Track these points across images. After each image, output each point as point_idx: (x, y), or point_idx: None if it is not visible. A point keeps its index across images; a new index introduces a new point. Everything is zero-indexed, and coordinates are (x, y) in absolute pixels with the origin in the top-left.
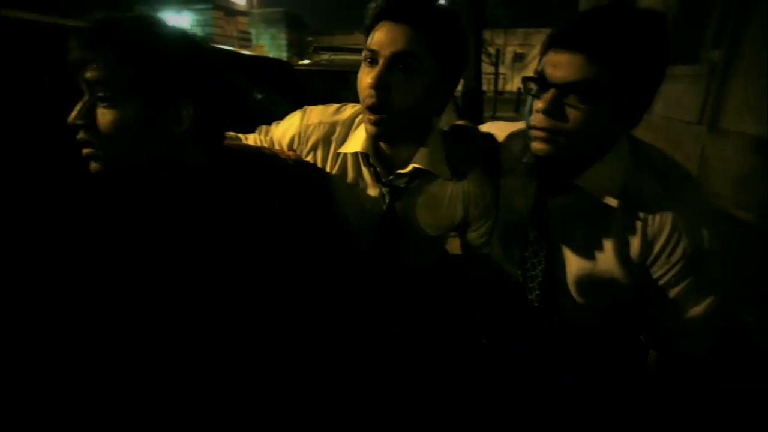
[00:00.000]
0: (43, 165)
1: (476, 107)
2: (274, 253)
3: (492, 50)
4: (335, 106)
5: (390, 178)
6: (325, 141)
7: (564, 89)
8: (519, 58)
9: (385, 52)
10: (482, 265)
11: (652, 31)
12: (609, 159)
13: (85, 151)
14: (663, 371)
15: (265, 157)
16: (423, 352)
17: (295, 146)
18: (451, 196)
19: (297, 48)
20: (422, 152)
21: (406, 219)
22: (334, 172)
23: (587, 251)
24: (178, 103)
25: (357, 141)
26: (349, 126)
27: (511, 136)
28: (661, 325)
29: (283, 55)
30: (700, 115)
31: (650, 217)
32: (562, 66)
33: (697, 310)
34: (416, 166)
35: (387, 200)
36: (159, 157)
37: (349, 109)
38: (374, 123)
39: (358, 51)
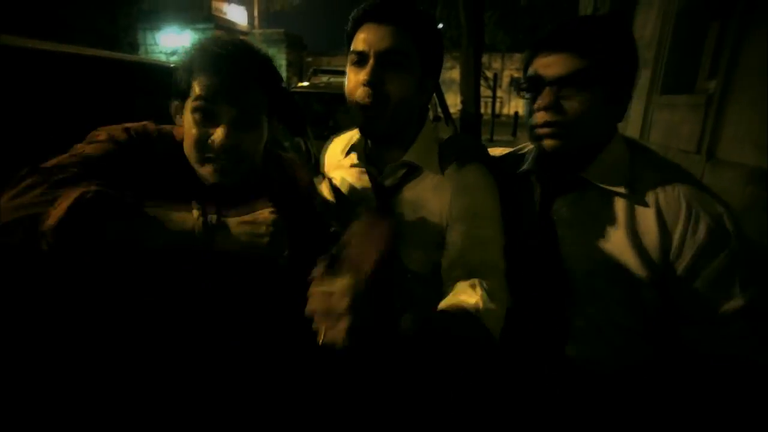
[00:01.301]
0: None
1: (474, 130)
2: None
3: (490, 74)
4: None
5: (381, 176)
6: (335, 158)
7: (559, 83)
8: (516, 83)
9: (375, 50)
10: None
11: (617, 27)
12: (609, 150)
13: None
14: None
15: None
16: None
17: (325, 169)
18: (438, 189)
19: (296, 68)
20: (413, 148)
21: (403, 222)
22: (339, 184)
23: (599, 247)
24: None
25: (355, 148)
26: (351, 140)
27: (508, 157)
28: (691, 329)
29: (283, 75)
30: (698, 144)
31: (663, 203)
32: (553, 65)
33: (734, 301)
34: (406, 160)
35: (379, 200)
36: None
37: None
38: (370, 117)
39: None
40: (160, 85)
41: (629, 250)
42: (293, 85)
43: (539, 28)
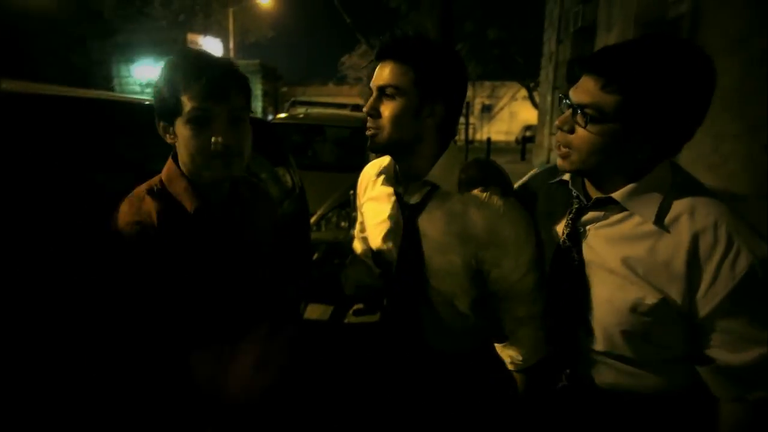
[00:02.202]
0: None
1: None
2: None
3: None
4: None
5: (406, 195)
6: (368, 180)
7: (576, 109)
8: (487, 109)
9: (373, 85)
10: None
11: (680, 62)
12: (649, 178)
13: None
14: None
15: None
16: None
17: (359, 191)
18: (459, 210)
19: (271, 98)
20: (434, 169)
21: (425, 240)
22: (374, 204)
23: (614, 269)
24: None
25: (385, 170)
26: (382, 164)
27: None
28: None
29: (258, 105)
30: None
31: (699, 234)
32: (579, 88)
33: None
34: (426, 179)
35: (404, 217)
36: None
37: None
38: (370, 137)
39: (333, 105)
40: (140, 122)
41: (647, 277)
42: (270, 116)
43: (507, 58)
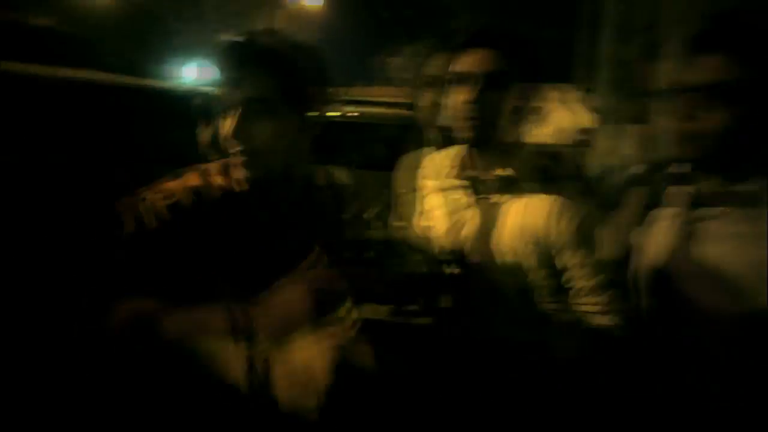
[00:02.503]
0: None
1: None
2: None
3: None
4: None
5: (482, 189)
6: (433, 175)
7: (704, 91)
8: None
9: (477, 72)
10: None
11: None
12: None
13: None
14: None
15: None
16: None
17: (418, 181)
18: (535, 204)
19: None
20: (513, 164)
21: (497, 233)
22: (443, 195)
23: (739, 273)
24: None
25: (457, 163)
26: (449, 157)
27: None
28: None
29: None
30: None
31: None
32: (702, 68)
33: None
34: (499, 173)
35: (478, 212)
36: None
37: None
38: (472, 129)
39: (383, 104)
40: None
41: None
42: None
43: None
